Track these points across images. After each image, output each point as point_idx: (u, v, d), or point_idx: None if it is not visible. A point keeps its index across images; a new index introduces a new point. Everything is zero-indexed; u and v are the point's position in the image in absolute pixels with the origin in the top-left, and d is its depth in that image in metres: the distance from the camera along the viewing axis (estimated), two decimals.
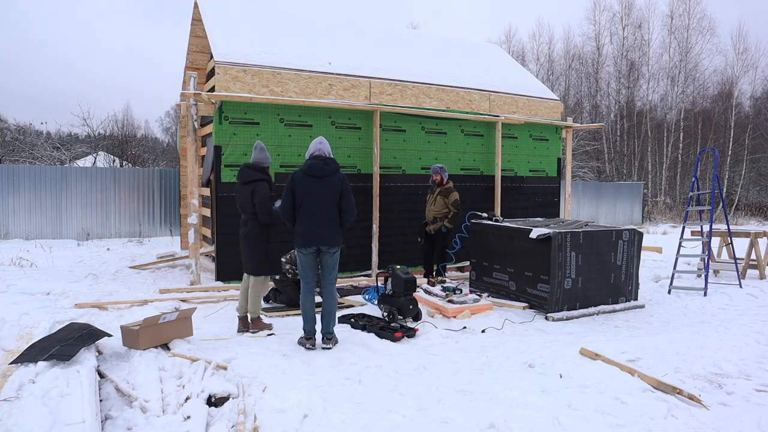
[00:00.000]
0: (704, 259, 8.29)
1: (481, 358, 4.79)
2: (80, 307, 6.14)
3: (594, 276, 6.63)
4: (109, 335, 4.58)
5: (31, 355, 3.99)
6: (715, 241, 10.36)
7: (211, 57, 8.25)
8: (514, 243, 6.89)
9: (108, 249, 11.48)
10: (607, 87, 32.17)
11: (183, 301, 6.77)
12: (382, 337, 5.23)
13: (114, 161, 21.83)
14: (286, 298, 6.67)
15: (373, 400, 3.74)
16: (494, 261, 7.24)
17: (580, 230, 6.57)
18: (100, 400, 3.66)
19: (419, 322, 5.91)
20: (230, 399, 3.73)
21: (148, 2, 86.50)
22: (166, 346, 4.64)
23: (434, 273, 7.86)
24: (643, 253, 8.22)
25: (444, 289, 6.67)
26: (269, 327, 5.51)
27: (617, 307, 6.76)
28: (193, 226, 7.49)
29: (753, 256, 9.40)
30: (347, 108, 8.24)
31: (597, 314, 6.53)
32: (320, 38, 9.42)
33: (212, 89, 7.99)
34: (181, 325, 4.78)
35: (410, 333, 5.36)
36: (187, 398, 3.72)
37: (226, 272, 7.55)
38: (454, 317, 6.09)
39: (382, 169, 8.62)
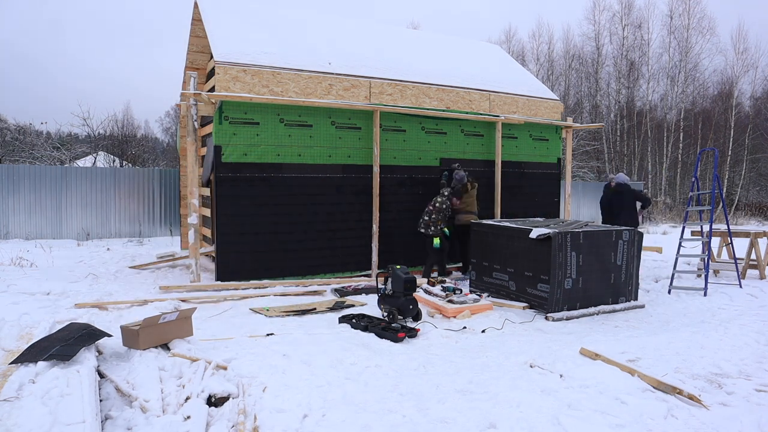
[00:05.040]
0: (704, 259, 8.29)
1: (481, 358, 4.79)
2: (80, 307, 6.14)
3: (594, 276, 6.63)
4: (109, 335, 4.57)
5: (31, 355, 3.99)
6: (715, 241, 10.36)
7: (211, 57, 8.26)
8: (514, 243, 6.88)
9: (108, 249, 11.48)
10: (607, 87, 32.19)
11: (183, 301, 6.77)
12: (382, 338, 5.22)
13: (114, 161, 21.83)
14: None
15: (373, 400, 3.73)
16: (494, 261, 7.24)
17: (580, 230, 6.57)
18: (100, 400, 3.66)
19: (419, 322, 5.92)
20: (230, 399, 3.73)
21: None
22: (166, 346, 4.64)
23: None
24: (643, 253, 8.23)
25: (444, 289, 6.67)
26: None
27: (617, 307, 6.76)
28: (193, 226, 7.50)
29: (753, 256, 9.40)
30: (347, 108, 8.24)
31: (597, 314, 6.53)
32: (320, 38, 9.42)
33: (212, 89, 7.99)
34: (181, 325, 4.78)
35: (412, 333, 5.36)
36: (187, 398, 3.72)
37: (226, 272, 7.55)
38: (454, 317, 6.08)
39: (382, 169, 8.62)
